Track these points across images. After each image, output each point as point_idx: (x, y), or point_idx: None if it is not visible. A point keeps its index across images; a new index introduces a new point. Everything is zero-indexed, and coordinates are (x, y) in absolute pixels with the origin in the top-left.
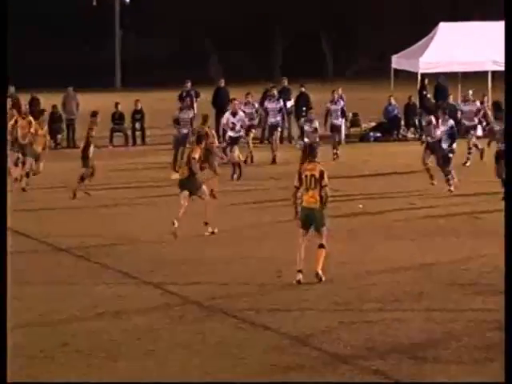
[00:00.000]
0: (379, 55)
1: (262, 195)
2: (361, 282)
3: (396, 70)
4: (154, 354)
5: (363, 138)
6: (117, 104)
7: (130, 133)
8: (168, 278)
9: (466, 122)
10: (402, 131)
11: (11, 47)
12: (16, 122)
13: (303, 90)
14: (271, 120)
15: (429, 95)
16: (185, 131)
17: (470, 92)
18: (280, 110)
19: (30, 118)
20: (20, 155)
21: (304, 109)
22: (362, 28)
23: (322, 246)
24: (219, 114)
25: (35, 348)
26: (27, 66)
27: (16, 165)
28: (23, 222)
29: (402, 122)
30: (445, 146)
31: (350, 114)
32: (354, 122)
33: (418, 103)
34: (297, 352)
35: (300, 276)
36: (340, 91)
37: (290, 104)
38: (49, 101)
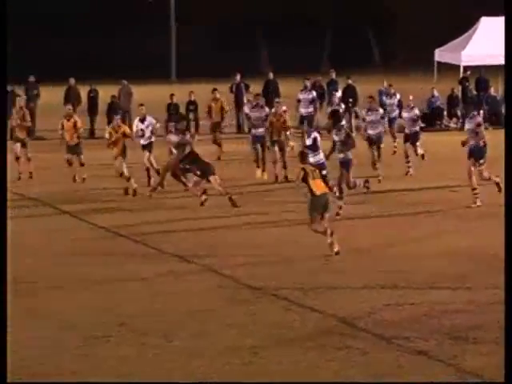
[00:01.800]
0: (421, 48)
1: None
2: (405, 265)
3: (439, 63)
4: (207, 334)
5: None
6: (172, 95)
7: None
8: (221, 262)
9: None
10: (444, 121)
11: (76, 44)
12: (62, 126)
13: (350, 82)
14: (302, 110)
15: (471, 86)
16: (260, 130)
17: None
18: (312, 101)
19: (76, 118)
20: (71, 155)
21: (350, 100)
22: (404, 22)
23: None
24: (269, 104)
25: (93, 328)
26: (88, 60)
27: (70, 164)
28: (88, 212)
29: (445, 113)
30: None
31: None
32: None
33: (460, 95)
34: (344, 333)
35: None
36: (385, 84)
37: (337, 95)
38: (107, 92)
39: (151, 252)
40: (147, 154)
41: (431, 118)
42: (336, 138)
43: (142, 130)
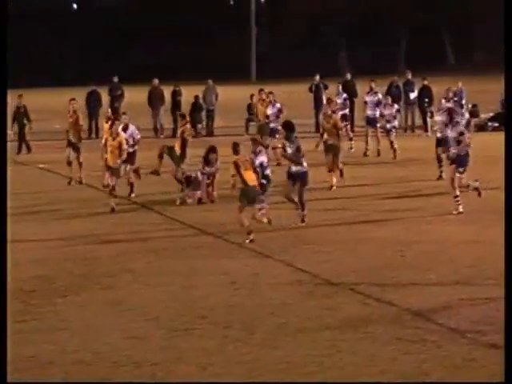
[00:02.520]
0: (497, 48)
1: (377, 180)
2: (478, 261)
3: None
4: (286, 327)
5: (482, 127)
6: (252, 96)
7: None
8: (299, 257)
9: None
10: None
11: (160, 49)
12: (106, 143)
13: (426, 82)
14: (368, 112)
15: None
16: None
17: None
18: (378, 104)
19: (122, 137)
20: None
21: (426, 100)
22: (479, 21)
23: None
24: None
25: (176, 320)
26: (175, 61)
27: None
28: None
29: None
30: None
31: (470, 105)
32: (474, 113)
33: None
34: (419, 326)
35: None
36: (460, 85)
37: (413, 96)
38: (191, 92)
39: (232, 247)
40: (128, 166)
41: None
42: (288, 150)
43: (125, 139)
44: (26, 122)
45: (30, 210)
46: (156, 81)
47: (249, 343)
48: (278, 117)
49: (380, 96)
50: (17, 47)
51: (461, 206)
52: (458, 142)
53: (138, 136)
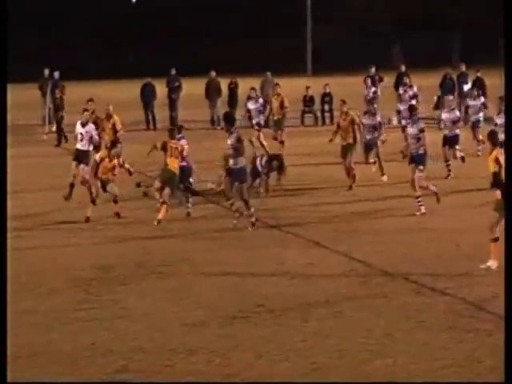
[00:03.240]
0: None
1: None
2: None
3: None
4: (340, 316)
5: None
6: (307, 88)
7: (319, 114)
8: (353, 247)
9: None
10: None
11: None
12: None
13: (479, 74)
14: (405, 107)
15: None
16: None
17: None
18: (413, 97)
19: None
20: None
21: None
22: None
23: None
24: (400, 97)
25: (232, 309)
26: (233, 54)
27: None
28: None
29: None
30: None
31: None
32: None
33: None
34: (472, 315)
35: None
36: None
37: (466, 87)
38: (247, 84)
39: (288, 237)
40: (83, 166)
41: None
42: (228, 142)
43: (81, 134)
44: (63, 114)
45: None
46: (213, 73)
47: (303, 331)
48: (260, 112)
49: (415, 90)
50: (78, 40)
51: (423, 207)
52: (418, 140)
53: (97, 137)
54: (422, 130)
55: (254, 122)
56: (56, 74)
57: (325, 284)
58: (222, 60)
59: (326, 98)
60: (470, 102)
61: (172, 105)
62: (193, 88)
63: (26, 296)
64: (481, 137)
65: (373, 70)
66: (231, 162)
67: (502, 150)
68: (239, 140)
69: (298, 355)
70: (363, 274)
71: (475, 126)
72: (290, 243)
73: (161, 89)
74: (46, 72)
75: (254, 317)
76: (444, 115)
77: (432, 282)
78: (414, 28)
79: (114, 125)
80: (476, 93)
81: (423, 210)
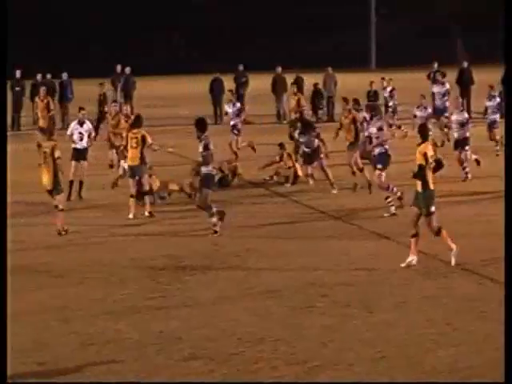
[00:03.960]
0: None
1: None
2: None
3: None
4: (404, 306)
5: None
6: (371, 82)
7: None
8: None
9: None
10: None
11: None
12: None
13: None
14: (437, 103)
15: None
16: None
17: None
18: (445, 94)
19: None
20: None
21: None
22: None
23: None
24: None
25: (298, 298)
26: (297, 50)
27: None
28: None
29: None
30: None
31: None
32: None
33: None
34: None
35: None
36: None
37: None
38: (311, 79)
39: (352, 229)
40: (84, 162)
41: None
42: (199, 149)
43: (80, 133)
44: (105, 109)
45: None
46: (279, 68)
47: (367, 321)
48: (237, 115)
49: (447, 86)
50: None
51: (393, 208)
52: (377, 138)
53: (93, 134)
54: (380, 129)
55: (231, 123)
56: (127, 70)
57: (388, 275)
58: (288, 55)
59: (391, 92)
60: (487, 103)
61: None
62: (259, 83)
63: (98, 285)
64: (498, 137)
65: (435, 65)
66: (201, 168)
67: (430, 145)
68: (206, 147)
69: (363, 345)
70: (426, 265)
71: (492, 126)
72: (355, 235)
73: (229, 84)
74: (118, 68)
75: (319, 307)
76: (453, 117)
77: (494, 273)
78: (478, 22)
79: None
80: (493, 94)
81: (393, 211)
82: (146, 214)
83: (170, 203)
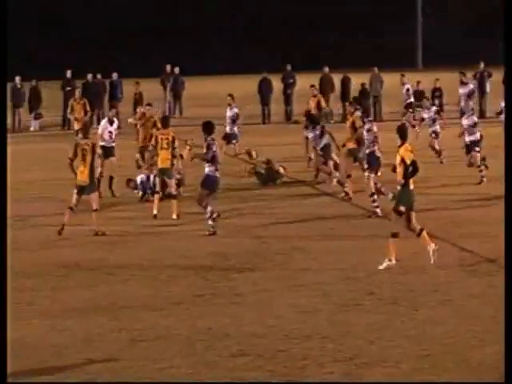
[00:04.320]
0: None
1: None
2: None
3: None
4: (449, 304)
5: None
6: (418, 82)
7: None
8: (462, 237)
9: None
10: None
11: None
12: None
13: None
14: (461, 104)
15: None
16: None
17: None
18: (469, 95)
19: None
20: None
21: None
22: None
23: None
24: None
25: (345, 296)
26: (344, 49)
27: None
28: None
29: None
30: None
31: None
32: None
33: None
34: None
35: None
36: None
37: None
38: (358, 79)
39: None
40: (113, 158)
41: None
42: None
43: (110, 132)
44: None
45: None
46: (326, 68)
47: (414, 319)
48: (233, 122)
49: (471, 86)
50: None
51: (378, 209)
52: (367, 140)
53: (117, 130)
54: (368, 130)
55: (226, 131)
56: (176, 70)
57: (434, 273)
58: (335, 55)
59: (437, 92)
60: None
61: (287, 99)
62: (307, 82)
63: (147, 282)
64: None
65: (482, 65)
66: (205, 168)
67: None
68: (208, 148)
69: (409, 342)
70: (472, 263)
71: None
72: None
73: (277, 84)
74: (168, 68)
75: (365, 304)
76: (464, 121)
77: None
78: None
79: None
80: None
81: (378, 212)
82: (174, 216)
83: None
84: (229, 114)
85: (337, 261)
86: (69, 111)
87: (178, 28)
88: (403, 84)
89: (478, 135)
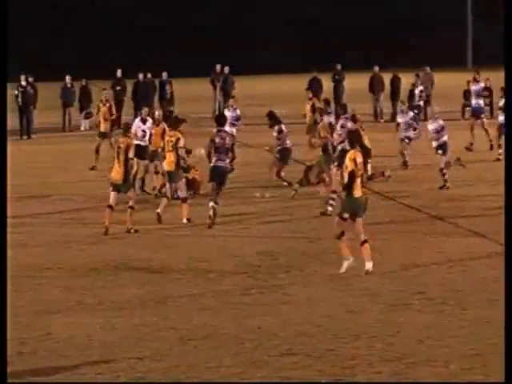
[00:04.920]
0: None
1: None
2: None
3: None
4: (497, 303)
5: None
6: (468, 82)
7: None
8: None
9: None
10: None
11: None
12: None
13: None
14: (472, 102)
15: None
16: None
17: None
18: (478, 93)
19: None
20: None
21: None
22: None
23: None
24: None
25: (394, 295)
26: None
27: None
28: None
29: None
30: None
31: None
32: None
33: None
34: None
35: None
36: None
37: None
38: (409, 78)
39: (448, 226)
40: (147, 162)
41: None
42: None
43: (143, 130)
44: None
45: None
46: (376, 68)
47: (463, 318)
48: (233, 124)
49: (482, 85)
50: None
51: (330, 208)
52: (340, 135)
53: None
54: (342, 126)
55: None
56: (226, 69)
57: (483, 272)
58: (385, 55)
59: (486, 92)
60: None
61: (337, 98)
62: (357, 82)
63: (196, 281)
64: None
65: None
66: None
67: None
68: (211, 141)
69: (458, 341)
70: None
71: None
72: (451, 233)
73: (326, 83)
74: (218, 67)
75: (414, 304)
76: (429, 126)
77: None
78: None
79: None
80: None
81: (329, 210)
82: (184, 220)
83: (265, 201)
84: (230, 114)
85: (385, 260)
86: (95, 112)
87: (229, 28)
88: (476, 81)
89: (445, 138)
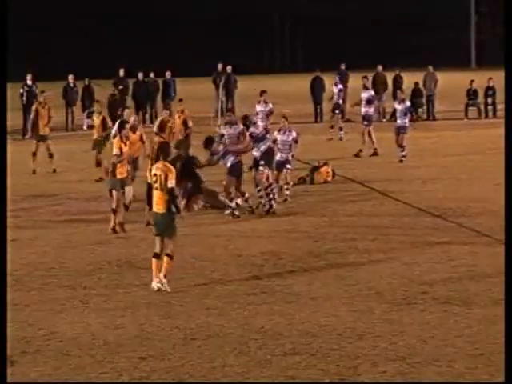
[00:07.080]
0: None
1: None
2: None
3: None
4: (502, 303)
5: None
6: (471, 81)
7: (482, 107)
8: None
9: None
10: None
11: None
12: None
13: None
14: (362, 110)
15: None
16: None
17: None
18: (369, 101)
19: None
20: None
21: None
22: None
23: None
24: None
25: (398, 295)
26: (396, 48)
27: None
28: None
29: None
30: None
31: None
32: None
33: None
34: None
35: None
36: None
37: None
38: (411, 78)
39: (451, 226)
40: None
41: None
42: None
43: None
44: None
45: None
46: (380, 67)
47: (468, 317)
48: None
49: (372, 92)
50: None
51: (274, 203)
52: (289, 147)
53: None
54: (296, 141)
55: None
56: (228, 69)
57: (488, 272)
58: (389, 54)
59: (490, 91)
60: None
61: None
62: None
63: (200, 281)
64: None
65: None
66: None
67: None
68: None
69: (463, 341)
70: None
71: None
72: (454, 232)
73: (329, 82)
74: (220, 66)
75: (419, 303)
76: (397, 106)
77: None
78: None
79: (185, 120)
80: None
81: (273, 206)
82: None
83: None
84: (263, 109)
85: (390, 259)
86: (33, 115)
87: (231, 27)
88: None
89: (406, 121)
